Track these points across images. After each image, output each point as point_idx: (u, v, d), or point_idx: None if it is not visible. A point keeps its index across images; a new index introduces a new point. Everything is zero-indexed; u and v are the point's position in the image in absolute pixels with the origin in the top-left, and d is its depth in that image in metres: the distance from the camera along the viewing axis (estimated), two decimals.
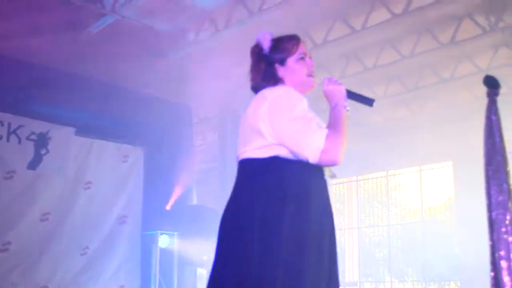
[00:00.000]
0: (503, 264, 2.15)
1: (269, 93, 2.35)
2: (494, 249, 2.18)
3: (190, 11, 7.97)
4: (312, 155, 2.21)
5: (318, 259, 2.24)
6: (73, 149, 7.77)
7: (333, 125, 2.29)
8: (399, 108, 10.93)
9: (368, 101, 2.50)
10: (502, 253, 2.16)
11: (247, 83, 9.13)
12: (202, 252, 8.41)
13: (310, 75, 2.50)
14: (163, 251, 8.11)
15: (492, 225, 2.21)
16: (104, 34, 7.70)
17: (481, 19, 8.22)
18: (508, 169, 2.27)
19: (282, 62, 2.47)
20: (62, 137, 7.64)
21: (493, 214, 2.22)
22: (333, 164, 2.25)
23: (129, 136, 8.30)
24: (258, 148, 2.30)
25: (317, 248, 2.24)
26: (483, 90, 8.62)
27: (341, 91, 2.42)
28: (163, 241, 8.13)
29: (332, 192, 14.42)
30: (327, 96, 2.44)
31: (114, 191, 8.19)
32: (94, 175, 7.96)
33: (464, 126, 9.87)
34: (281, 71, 2.46)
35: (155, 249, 8.05)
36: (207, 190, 9.88)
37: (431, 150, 11.48)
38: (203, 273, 12.19)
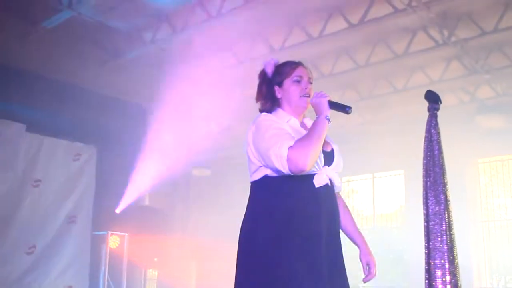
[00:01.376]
0: (438, 272, 2.23)
1: (253, 122, 2.62)
2: (429, 258, 2.26)
3: (148, 11, 7.92)
4: (280, 165, 2.40)
5: (308, 263, 2.39)
6: (23, 146, 7.60)
7: (306, 135, 2.46)
8: (353, 115, 11.08)
9: (346, 109, 2.65)
10: (437, 261, 2.24)
11: (203, 86, 9.13)
12: (152, 253, 8.36)
13: (304, 96, 2.68)
14: (113, 252, 8.01)
15: (429, 234, 2.29)
16: (59, 30, 7.57)
17: (434, 33, 8.43)
18: (446, 180, 2.34)
19: (280, 84, 2.71)
20: (12, 133, 7.48)
21: (430, 224, 2.29)
22: (300, 171, 2.40)
23: (82, 135, 8.18)
24: (253, 173, 2.59)
25: (303, 253, 2.40)
26: None
27: (323, 102, 2.58)
28: (113, 241, 8.03)
29: None
30: (314, 108, 2.62)
31: (64, 189, 8.05)
32: (44, 173, 7.81)
33: (416, 135, 10.10)
34: (279, 92, 2.71)
35: (105, 250, 7.94)
36: (159, 191, 9.82)
37: (384, 158, 11.69)
38: (154, 275, 12.09)
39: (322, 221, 2.50)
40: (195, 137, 10.69)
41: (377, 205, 13.71)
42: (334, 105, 2.64)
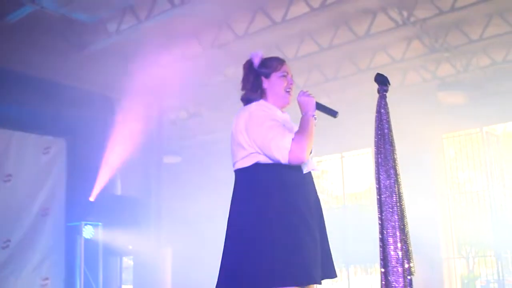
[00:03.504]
0: (390, 240, 2.42)
1: (245, 110, 2.76)
2: (382, 227, 2.45)
3: (111, 2, 7.95)
4: (281, 156, 2.58)
5: (300, 239, 2.57)
6: None
7: (301, 130, 2.67)
8: (320, 97, 11.24)
9: (333, 113, 2.89)
10: (389, 230, 2.43)
11: (170, 75, 9.21)
12: (127, 241, 8.46)
13: (287, 91, 2.88)
14: (88, 242, 8.08)
15: (381, 206, 2.48)
16: (23, 24, 7.57)
17: (394, 14, 8.64)
18: (396, 156, 2.53)
19: (267, 76, 2.87)
20: None
21: (382, 197, 2.48)
22: (300, 162, 2.62)
23: (50, 128, 8.20)
24: (242, 159, 2.69)
25: (306, 228, 2.59)
26: (398, 80, 9.15)
27: (311, 102, 2.80)
28: (88, 231, 8.09)
29: None
30: (300, 105, 2.83)
31: (36, 183, 8.08)
32: (14, 168, 7.84)
33: None
34: (265, 83, 2.86)
35: (80, 240, 8.01)
36: (131, 180, 9.91)
37: (351, 137, 11.95)
38: (129, 263, 12.17)
39: (312, 202, 2.72)
40: (164, 125, 10.79)
41: (347, 185, 14.01)
42: (321, 108, 2.86)
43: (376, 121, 2.58)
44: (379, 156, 2.52)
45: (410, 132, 10.13)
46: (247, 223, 2.61)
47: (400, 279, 2.40)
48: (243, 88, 2.92)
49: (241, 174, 2.72)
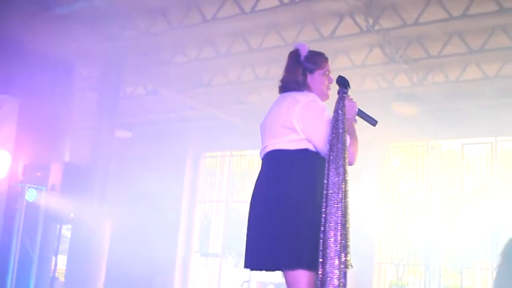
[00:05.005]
0: (331, 233, 2.58)
1: (301, 97, 2.87)
2: (325, 221, 2.60)
3: None
4: None
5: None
6: None
7: (351, 133, 2.80)
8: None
9: (373, 121, 3.03)
10: (332, 224, 2.58)
11: (132, 47, 9.15)
12: (69, 209, 8.41)
13: (328, 88, 3.04)
14: (29, 206, 8.00)
15: (327, 201, 2.62)
16: None
17: (360, 20, 8.84)
18: (346, 155, 2.69)
19: (312, 71, 3.00)
20: None
21: (329, 192, 2.63)
22: (350, 164, 2.73)
23: (3, 86, 8.05)
24: (290, 141, 2.79)
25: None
26: (357, 84, 9.38)
27: (354, 106, 2.92)
28: (31, 195, 8.01)
29: (205, 165, 14.81)
30: None
31: None
32: None
33: None
34: (309, 78, 2.98)
35: (21, 202, 7.92)
36: (80, 148, 9.82)
37: None
38: (66, 234, 12.05)
39: None
40: (120, 98, 10.74)
41: None
42: (362, 114, 2.99)
43: (332, 120, 2.73)
44: (331, 153, 2.66)
45: (359, 136, 10.36)
46: (295, 204, 2.70)
47: (336, 270, 2.55)
48: (287, 77, 3.04)
49: (286, 155, 2.80)
